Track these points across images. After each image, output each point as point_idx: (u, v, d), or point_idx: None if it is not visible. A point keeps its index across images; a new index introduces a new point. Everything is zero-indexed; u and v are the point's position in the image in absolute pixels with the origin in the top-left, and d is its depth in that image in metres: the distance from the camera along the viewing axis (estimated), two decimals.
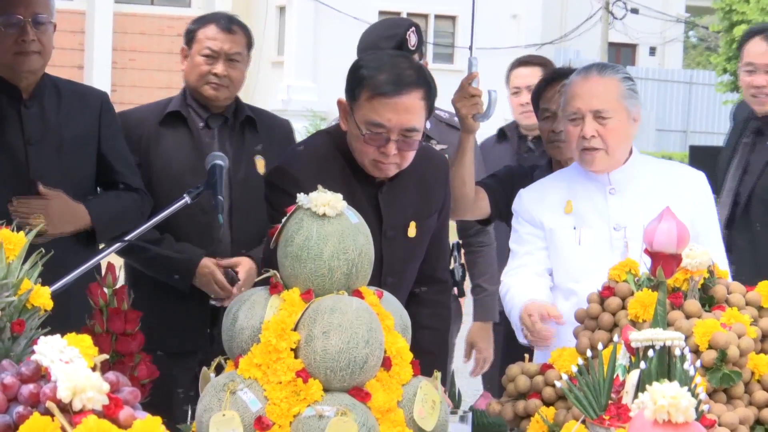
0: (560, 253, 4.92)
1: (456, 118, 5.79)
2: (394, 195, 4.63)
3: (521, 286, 4.89)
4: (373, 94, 4.41)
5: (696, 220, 4.71)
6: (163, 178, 5.67)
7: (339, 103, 4.59)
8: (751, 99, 6.48)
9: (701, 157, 22.87)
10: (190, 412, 5.47)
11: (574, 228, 4.89)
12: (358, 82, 4.49)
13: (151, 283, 5.56)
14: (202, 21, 5.82)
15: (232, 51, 5.71)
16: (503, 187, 5.57)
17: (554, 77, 5.58)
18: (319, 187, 3.65)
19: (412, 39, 5.93)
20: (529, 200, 5.06)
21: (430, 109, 4.53)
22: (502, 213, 5.61)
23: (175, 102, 5.82)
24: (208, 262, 5.53)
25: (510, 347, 5.16)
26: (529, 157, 6.73)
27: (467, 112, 5.30)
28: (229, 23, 5.78)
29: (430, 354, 4.59)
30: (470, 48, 5.71)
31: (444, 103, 5.37)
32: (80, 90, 5.64)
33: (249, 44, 5.83)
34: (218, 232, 4.87)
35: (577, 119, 4.78)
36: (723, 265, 4.63)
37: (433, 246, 4.85)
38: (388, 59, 4.65)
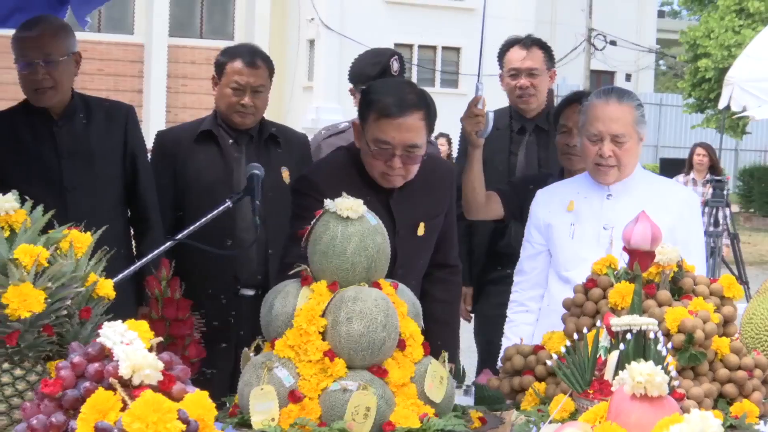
0: (556, 244, 4.94)
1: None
2: (403, 200, 4.63)
3: (510, 329, 5.04)
4: (380, 115, 4.44)
5: (679, 234, 4.72)
6: (196, 189, 5.67)
7: (353, 124, 4.64)
8: (517, 100, 6.49)
9: (669, 167, 22.88)
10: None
11: (571, 224, 4.90)
12: (367, 105, 4.52)
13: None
14: (229, 55, 5.76)
15: (256, 84, 5.67)
16: (516, 193, 5.62)
17: (574, 99, 5.61)
18: (343, 193, 3.65)
19: (395, 66, 5.98)
20: (541, 199, 5.11)
21: (430, 127, 4.54)
22: (515, 215, 5.70)
23: (207, 122, 5.81)
24: None
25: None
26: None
27: (471, 129, 5.36)
28: (252, 57, 5.71)
29: (444, 323, 4.76)
30: (478, 75, 5.72)
31: (453, 120, 5.40)
32: (107, 105, 5.63)
33: (270, 74, 5.79)
34: (255, 233, 4.86)
35: (597, 140, 4.78)
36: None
37: (444, 239, 4.87)
38: (393, 85, 4.74)
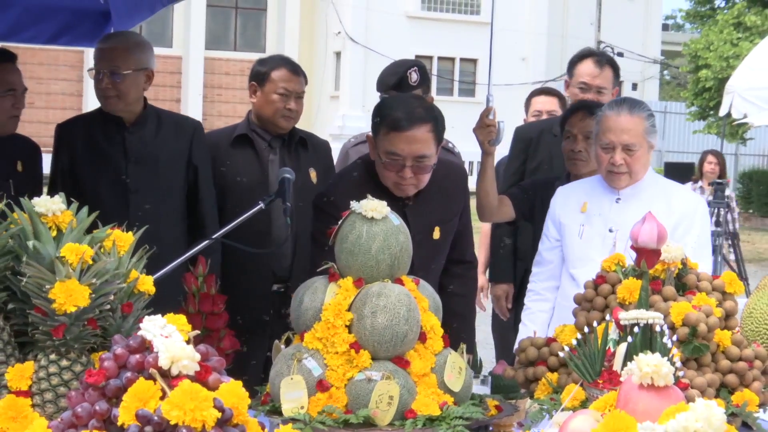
0: (567, 243, 4.96)
1: (450, 144, 5.90)
2: (418, 206, 4.63)
3: (528, 316, 5.06)
4: (390, 129, 4.45)
5: (678, 231, 4.70)
6: (235, 189, 5.69)
7: (367, 137, 4.65)
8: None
9: (674, 171, 22.81)
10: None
11: (582, 225, 4.90)
12: (379, 120, 4.52)
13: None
14: (272, 64, 5.81)
15: (299, 90, 5.75)
16: (527, 195, 5.62)
17: (579, 107, 5.61)
18: (368, 195, 3.65)
19: (413, 76, 5.98)
20: (560, 196, 5.11)
21: (439, 138, 4.53)
22: (525, 216, 5.70)
23: (241, 127, 5.84)
24: None
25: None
26: None
27: (484, 138, 5.34)
28: (295, 67, 5.81)
29: (460, 315, 4.75)
30: (488, 86, 5.73)
31: (470, 128, 5.38)
32: (177, 119, 5.71)
33: (306, 82, 5.85)
34: (286, 231, 4.86)
35: (609, 149, 4.77)
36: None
37: (460, 238, 4.87)
38: (403, 100, 4.73)
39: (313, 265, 4.52)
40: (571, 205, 4.99)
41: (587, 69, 6.40)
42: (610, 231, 4.80)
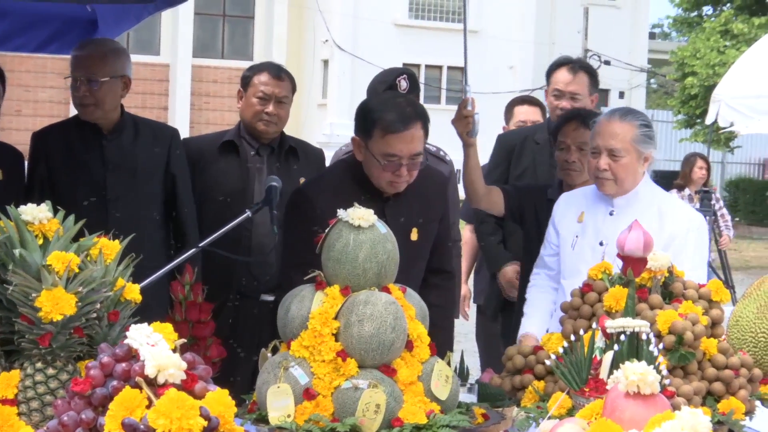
0: (561, 253, 4.95)
1: (441, 152, 5.88)
2: (397, 207, 4.63)
3: (531, 305, 5.00)
4: (386, 132, 4.46)
5: (680, 254, 4.63)
6: (213, 197, 5.69)
7: (353, 140, 4.64)
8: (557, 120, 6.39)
9: (661, 179, 22.86)
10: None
11: (576, 236, 4.89)
12: (371, 123, 4.52)
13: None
14: (257, 69, 5.82)
15: (280, 94, 5.71)
16: (519, 195, 5.61)
17: (571, 116, 5.58)
18: (355, 204, 3.65)
19: (402, 84, 5.99)
20: (562, 203, 5.08)
21: (427, 133, 4.58)
22: (515, 216, 5.66)
23: (231, 134, 5.83)
24: None
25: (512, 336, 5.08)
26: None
27: (462, 130, 5.35)
28: (278, 71, 5.78)
29: (438, 327, 4.55)
30: (464, 78, 5.73)
31: (457, 135, 5.39)
32: (154, 126, 5.69)
33: (293, 89, 5.83)
34: (273, 240, 4.85)
35: (596, 153, 4.76)
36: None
37: (439, 245, 4.86)
38: (390, 100, 4.72)
39: (282, 259, 4.70)
40: (569, 215, 4.97)
41: (561, 76, 6.44)
42: (601, 244, 4.78)
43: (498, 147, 6.78)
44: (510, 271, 6.58)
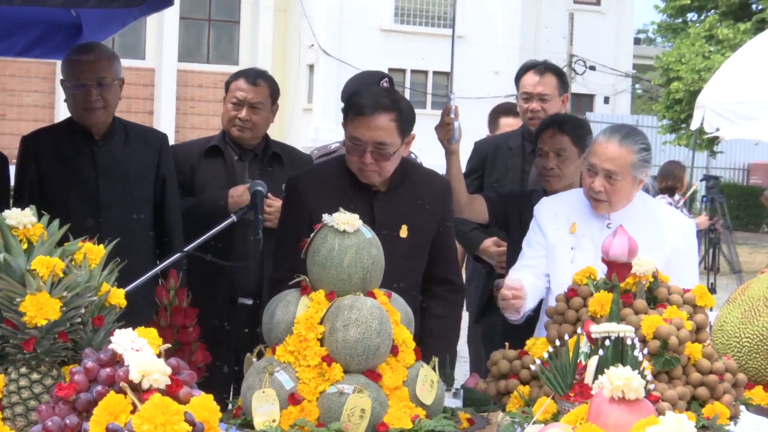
0: (556, 266, 4.81)
1: (412, 155, 6.01)
2: (386, 203, 4.64)
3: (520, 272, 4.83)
4: (354, 115, 4.53)
5: (673, 260, 4.64)
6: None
7: (343, 125, 4.69)
8: (528, 122, 6.49)
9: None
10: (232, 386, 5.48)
11: (572, 248, 4.80)
12: (346, 105, 4.63)
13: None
14: (236, 75, 5.84)
15: (254, 100, 5.70)
16: (503, 202, 5.59)
17: (550, 123, 5.58)
18: (341, 209, 3.65)
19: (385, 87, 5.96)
20: (546, 210, 4.98)
21: (404, 130, 4.57)
22: (499, 222, 5.66)
23: (216, 139, 5.84)
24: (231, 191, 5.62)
25: (500, 340, 5.02)
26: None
27: (443, 137, 5.38)
28: (255, 77, 5.77)
29: (438, 338, 4.61)
30: (449, 85, 5.76)
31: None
32: (144, 131, 5.70)
33: (273, 94, 5.80)
34: (258, 245, 4.85)
35: (592, 172, 4.72)
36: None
37: (440, 252, 4.79)
38: (371, 89, 4.82)
39: (276, 243, 4.77)
40: (559, 223, 4.88)
41: (528, 79, 6.48)
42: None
43: (473, 154, 6.79)
44: (488, 242, 6.48)
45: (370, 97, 4.57)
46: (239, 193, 5.54)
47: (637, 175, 4.72)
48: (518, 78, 6.58)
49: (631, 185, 4.74)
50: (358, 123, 4.51)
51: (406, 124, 4.57)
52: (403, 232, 4.64)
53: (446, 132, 5.36)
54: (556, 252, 4.85)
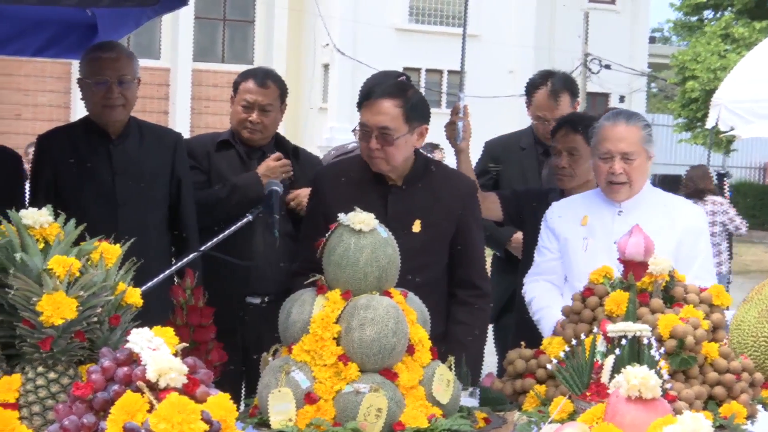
0: (571, 258, 4.90)
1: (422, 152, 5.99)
2: (401, 197, 4.68)
3: (545, 300, 4.89)
4: (362, 100, 4.65)
5: (683, 245, 4.74)
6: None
7: None
8: (540, 134, 6.52)
9: (661, 182, 22.87)
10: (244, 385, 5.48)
11: (584, 238, 4.87)
12: (359, 96, 4.75)
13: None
14: (245, 75, 5.81)
15: (264, 102, 5.68)
16: (517, 200, 5.62)
17: (564, 122, 5.60)
18: (356, 208, 3.65)
19: None
20: (556, 211, 5.06)
21: (410, 117, 4.61)
22: (513, 220, 5.74)
23: (225, 134, 5.84)
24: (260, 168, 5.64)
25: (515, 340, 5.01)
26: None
27: (449, 136, 5.52)
28: (264, 79, 5.74)
29: (461, 344, 4.55)
30: (460, 86, 5.80)
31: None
32: (159, 131, 5.70)
33: (282, 95, 5.79)
34: (274, 244, 4.85)
35: (608, 158, 4.78)
36: (709, 283, 4.62)
37: (463, 253, 4.78)
38: (383, 77, 5.05)
39: (299, 236, 4.94)
40: (570, 219, 4.95)
41: (542, 100, 6.51)
42: (615, 243, 4.77)
43: (483, 153, 6.80)
44: (520, 235, 6.41)
45: (379, 85, 4.70)
46: (269, 167, 5.55)
47: (648, 149, 4.83)
48: (530, 90, 6.58)
49: (645, 162, 4.84)
50: (366, 108, 4.61)
51: (413, 112, 4.62)
52: (416, 227, 4.65)
53: (452, 131, 5.42)
54: (569, 245, 4.93)
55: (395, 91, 4.63)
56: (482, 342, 4.90)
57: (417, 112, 4.63)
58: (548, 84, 6.50)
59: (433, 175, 4.77)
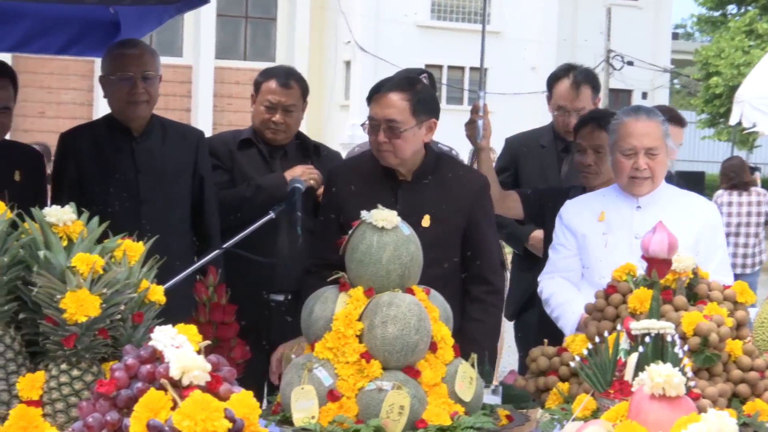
0: (590, 254, 4.90)
1: (453, 151, 6.08)
2: (411, 191, 4.69)
3: (563, 296, 4.88)
4: (370, 95, 4.69)
5: (702, 241, 4.76)
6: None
7: None
8: (561, 128, 6.52)
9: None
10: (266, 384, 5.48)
11: (603, 234, 4.87)
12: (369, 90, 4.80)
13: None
14: (267, 74, 5.79)
15: (287, 103, 5.67)
16: (539, 199, 5.61)
17: (589, 119, 5.58)
18: (379, 205, 3.65)
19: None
20: (572, 209, 5.07)
21: (417, 110, 4.63)
22: (534, 218, 5.73)
23: (247, 132, 5.84)
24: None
25: (537, 337, 4.99)
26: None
27: (469, 134, 5.54)
28: (286, 78, 5.72)
29: (475, 341, 4.50)
30: (479, 84, 5.80)
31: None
32: (181, 129, 5.70)
33: (304, 94, 5.77)
34: (297, 241, 4.85)
35: (631, 154, 4.78)
36: (728, 279, 4.63)
37: (475, 249, 4.77)
38: (397, 74, 5.06)
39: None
40: (587, 216, 4.95)
41: (563, 91, 6.49)
42: (636, 238, 4.76)
43: (504, 150, 6.79)
44: (539, 233, 6.40)
45: (387, 80, 4.74)
46: (295, 173, 5.55)
47: (668, 143, 4.85)
48: (552, 82, 6.57)
49: (666, 155, 4.85)
50: (374, 102, 4.65)
51: (420, 106, 4.63)
52: (426, 221, 4.65)
53: (471, 129, 5.42)
54: (587, 241, 4.92)
55: (403, 84, 4.67)
56: (495, 338, 4.91)
57: (425, 106, 4.65)
58: (570, 76, 6.50)
59: (444, 170, 4.78)
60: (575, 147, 5.59)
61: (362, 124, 4.72)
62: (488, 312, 4.78)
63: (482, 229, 4.82)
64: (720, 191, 13.06)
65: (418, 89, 4.67)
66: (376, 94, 4.66)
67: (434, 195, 4.70)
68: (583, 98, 6.44)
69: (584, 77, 6.52)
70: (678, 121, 6.81)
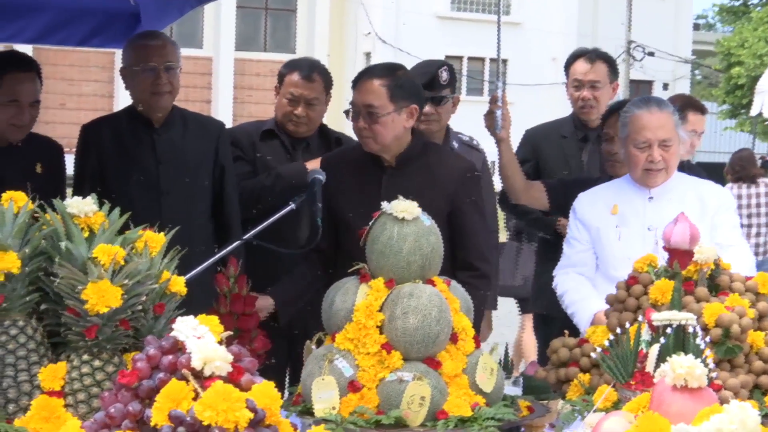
0: (604, 246, 4.89)
1: (474, 141, 6.12)
2: (395, 178, 4.67)
3: (578, 292, 4.85)
4: (354, 83, 4.75)
5: (718, 228, 4.75)
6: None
7: None
8: (579, 111, 6.49)
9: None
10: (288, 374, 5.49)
11: (617, 226, 4.86)
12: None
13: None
14: (290, 66, 5.80)
15: (310, 96, 5.68)
16: (564, 188, 5.57)
17: (616, 108, 5.55)
18: (399, 196, 3.65)
19: (444, 75, 5.91)
20: (585, 202, 5.05)
21: (395, 96, 4.64)
22: (561, 208, 5.63)
23: (269, 123, 5.85)
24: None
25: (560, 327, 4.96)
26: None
27: (488, 125, 5.48)
28: (310, 71, 5.73)
29: None
30: (497, 75, 5.79)
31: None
32: (202, 120, 5.70)
33: (327, 87, 5.78)
34: (317, 232, 4.85)
35: (645, 147, 4.77)
36: (749, 262, 4.66)
37: (460, 235, 4.71)
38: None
39: None
40: (599, 209, 4.94)
41: (579, 67, 6.49)
42: (649, 230, 4.76)
43: (523, 142, 6.73)
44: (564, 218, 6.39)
45: (371, 67, 4.82)
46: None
47: (680, 134, 4.85)
48: (568, 65, 6.59)
49: (678, 146, 4.85)
50: (355, 89, 4.70)
51: (399, 91, 4.64)
52: None
53: (491, 120, 5.40)
54: (601, 234, 4.92)
55: (383, 71, 4.71)
56: (478, 323, 4.76)
57: (404, 91, 4.66)
58: (585, 53, 6.52)
59: (430, 157, 4.78)
60: (603, 135, 5.59)
61: (345, 111, 4.74)
62: (472, 296, 4.74)
63: (467, 214, 4.78)
64: (729, 185, 12.99)
65: (398, 75, 4.70)
66: (356, 82, 4.71)
67: (419, 181, 4.66)
68: (597, 71, 6.43)
69: (599, 54, 6.54)
70: (699, 109, 6.80)
